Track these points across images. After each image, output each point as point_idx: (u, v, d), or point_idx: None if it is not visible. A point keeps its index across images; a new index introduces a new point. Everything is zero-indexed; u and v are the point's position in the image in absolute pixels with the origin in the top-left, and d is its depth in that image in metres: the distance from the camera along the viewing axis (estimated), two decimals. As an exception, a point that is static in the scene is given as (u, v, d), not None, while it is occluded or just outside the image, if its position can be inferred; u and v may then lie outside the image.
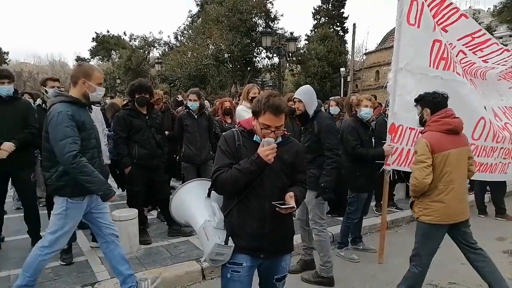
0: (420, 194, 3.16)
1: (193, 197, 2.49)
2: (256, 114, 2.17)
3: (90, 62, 48.89)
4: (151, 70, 31.54)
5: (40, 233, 4.30)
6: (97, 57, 46.70)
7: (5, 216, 4.38)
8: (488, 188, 6.34)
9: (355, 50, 28.13)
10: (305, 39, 35.55)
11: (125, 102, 4.87)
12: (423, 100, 3.30)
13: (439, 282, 3.91)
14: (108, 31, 46.04)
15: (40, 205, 5.15)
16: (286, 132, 2.35)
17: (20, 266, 3.77)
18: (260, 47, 21.79)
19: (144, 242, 4.41)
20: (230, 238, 2.19)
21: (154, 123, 4.51)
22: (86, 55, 48.29)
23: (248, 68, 24.60)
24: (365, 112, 4.25)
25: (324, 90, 28.85)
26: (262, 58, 25.47)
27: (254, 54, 24.51)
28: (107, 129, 4.86)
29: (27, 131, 4.03)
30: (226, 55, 22.80)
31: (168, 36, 43.00)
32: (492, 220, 6.01)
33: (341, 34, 36.48)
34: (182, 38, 29.17)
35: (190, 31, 28.53)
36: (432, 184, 3.06)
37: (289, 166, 2.28)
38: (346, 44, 35.42)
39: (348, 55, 32.21)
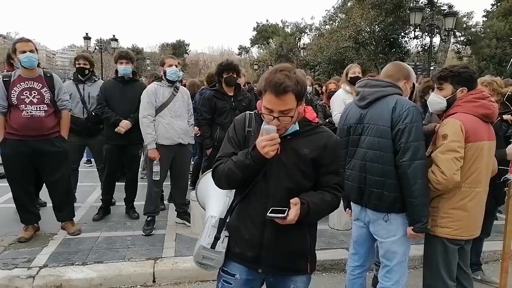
0: (435, 195, 2.42)
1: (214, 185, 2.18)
2: (259, 94, 1.71)
3: (250, 50, 53.12)
4: (300, 56, 31.87)
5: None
6: (256, 45, 50.03)
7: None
8: None
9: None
10: (483, 15, 29.92)
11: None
12: (459, 77, 2.41)
13: None
14: (267, 20, 48.69)
15: (144, 177, 5.64)
16: (313, 119, 1.81)
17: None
18: (410, 26, 19.16)
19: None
20: (221, 242, 1.82)
21: (239, 105, 4.34)
22: (248, 44, 52.46)
23: (393, 50, 22.04)
24: None
25: (503, 76, 23.86)
26: (410, 38, 22.42)
27: (402, 34, 21.73)
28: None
29: None
30: (365, 35, 20.86)
31: (319, 21, 42.61)
32: None
33: (534, 7, 29.20)
34: (331, 21, 28.31)
35: (340, 14, 27.45)
36: (455, 184, 2.32)
37: (310, 163, 1.74)
38: (540, 20, 28.24)
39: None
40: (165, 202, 5.12)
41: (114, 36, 25.45)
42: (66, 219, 4.13)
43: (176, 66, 4.13)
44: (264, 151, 1.58)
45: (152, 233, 4.14)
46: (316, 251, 1.94)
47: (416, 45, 23.43)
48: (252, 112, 1.87)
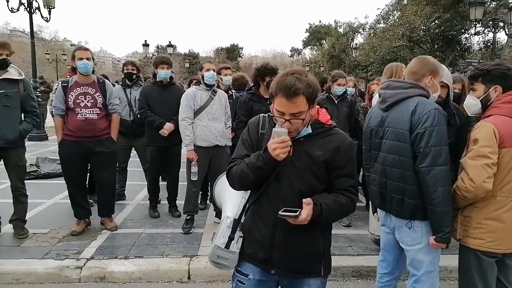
0: (467, 204, 2.23)
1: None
2: (271, 97, 1.74)
3: (303, 52, 52.71)
4: (352, 57, 31.02)
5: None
6: (309, 47, 49.55)
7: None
8: None
9: None
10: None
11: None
12: (489, 75, 2.23)
13: None
14: (320, 21, 47.99)
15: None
16: (326, 121, 1.81)
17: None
18: (471, 21, 17.68)
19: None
20: (235, 242, 1.88)
21: (275, 108, 4.36)
22: (300, 45, 52.09)
23: (451, 47, 20.43)
24: None
25: None
26: (471, 34, 20.66)
27: (461, 30, 20.12)
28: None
29: None
30: (420, 33, 19.65)
31: (373, 20, 41.41)
32: None
33: None
34: (385, 20, 27.14)
35: (395, 12, 26.23)
36: (489, 192, 2.13)
37: (322, 166, 1.75)
38: None
39: None
40: (208, 202, 5.27)
41: (170, 42, 26.67)
42: (107, 215, 4.43)
43: (214, 70, 4.25)
44: (275, 154, 1.61)
45: (190, 231, 4.30)
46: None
47: (478, 41, 21.74)
48: (266, 115, 1.91)
